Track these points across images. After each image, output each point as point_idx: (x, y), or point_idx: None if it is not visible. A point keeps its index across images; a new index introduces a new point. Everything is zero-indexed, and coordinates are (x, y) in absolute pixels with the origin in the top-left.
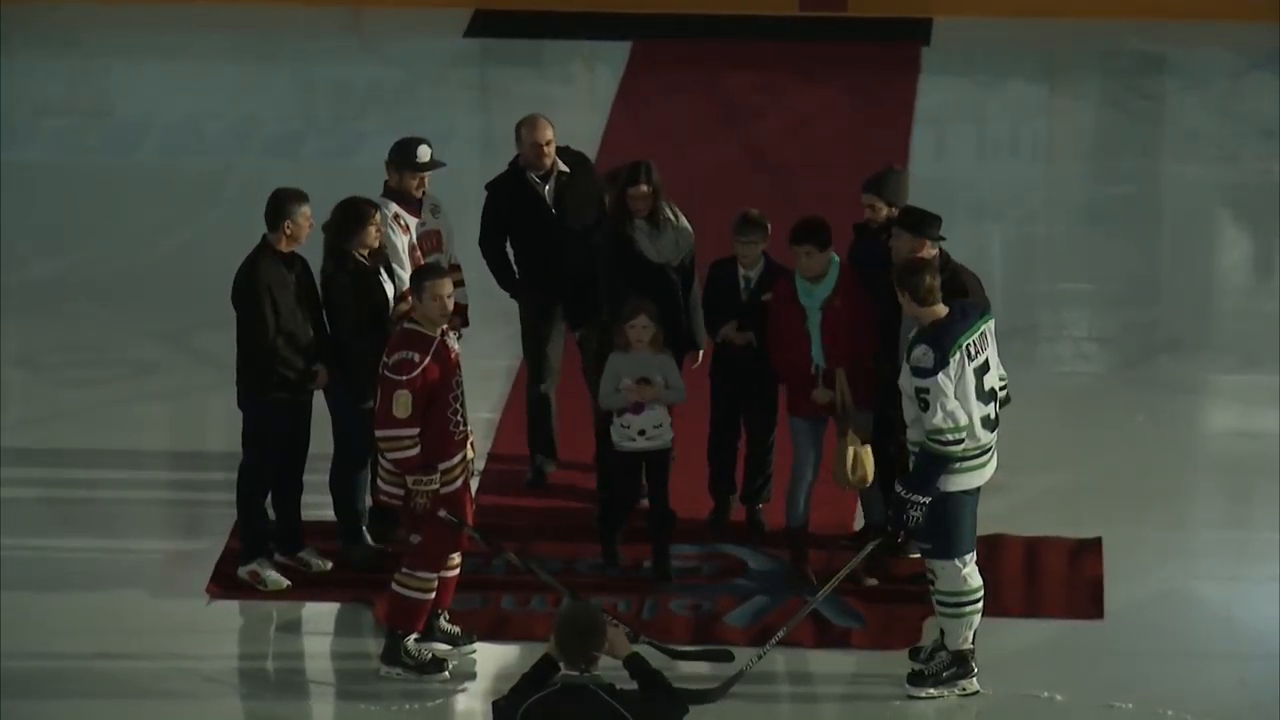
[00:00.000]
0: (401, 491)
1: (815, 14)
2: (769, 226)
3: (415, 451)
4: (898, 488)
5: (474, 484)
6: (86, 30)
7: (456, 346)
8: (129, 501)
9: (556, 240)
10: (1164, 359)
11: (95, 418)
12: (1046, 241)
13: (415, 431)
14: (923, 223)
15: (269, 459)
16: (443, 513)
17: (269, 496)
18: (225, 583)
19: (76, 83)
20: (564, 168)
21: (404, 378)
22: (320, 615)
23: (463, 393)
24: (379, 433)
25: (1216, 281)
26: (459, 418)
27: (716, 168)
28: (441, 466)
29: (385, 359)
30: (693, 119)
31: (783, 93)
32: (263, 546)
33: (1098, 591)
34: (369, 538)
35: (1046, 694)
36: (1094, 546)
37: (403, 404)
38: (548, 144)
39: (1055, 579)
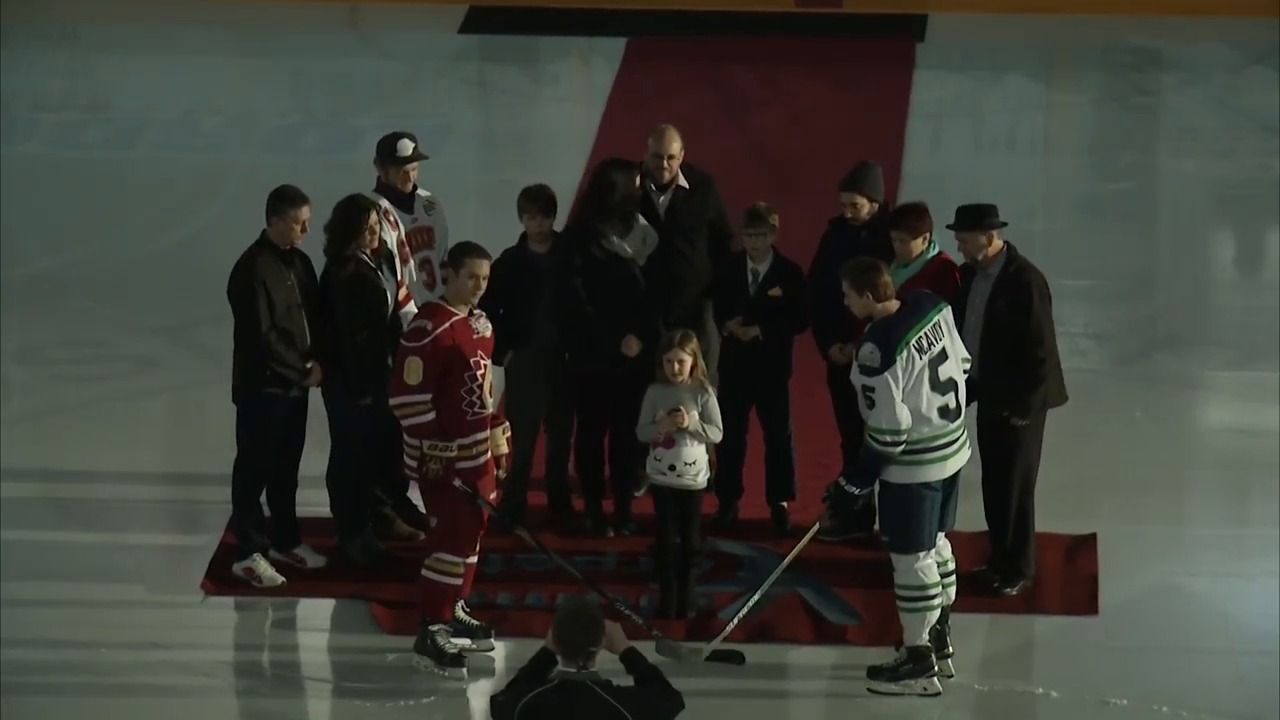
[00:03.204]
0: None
1: (811, 10)
2: (777, 221)
3: (430, 417)
4: (840, 481)
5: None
6: (84, 25)
7: (485, 331)
8: (126, 496)
9: (663, 252)
10: (1162, 355)
11: (94, 412)
12: (1044, 237)
13: (427, 397)
14: (984, 217)
15: (264, 455)
16: (458, 482)
17: (264, 492)
18: (221, 578)
19: (75, 77)
20: (684, 183)
21: (415, 344)
22: (315, 611)
23: (485, 376)
24: (392, 400)
25: (1215, 277)
26: (475, 399)
27: (713, 163)
28: (458, 442)
29: (405, 327)
30: (689, 114)
31: (779, 88)
32: (258, 542)
33: (1093, 587)
34: (371, 535)
35: (1042, 690)
36: (1090, 542)
37: (413, 370)
38: (670, 158)
39: (1051, 575)
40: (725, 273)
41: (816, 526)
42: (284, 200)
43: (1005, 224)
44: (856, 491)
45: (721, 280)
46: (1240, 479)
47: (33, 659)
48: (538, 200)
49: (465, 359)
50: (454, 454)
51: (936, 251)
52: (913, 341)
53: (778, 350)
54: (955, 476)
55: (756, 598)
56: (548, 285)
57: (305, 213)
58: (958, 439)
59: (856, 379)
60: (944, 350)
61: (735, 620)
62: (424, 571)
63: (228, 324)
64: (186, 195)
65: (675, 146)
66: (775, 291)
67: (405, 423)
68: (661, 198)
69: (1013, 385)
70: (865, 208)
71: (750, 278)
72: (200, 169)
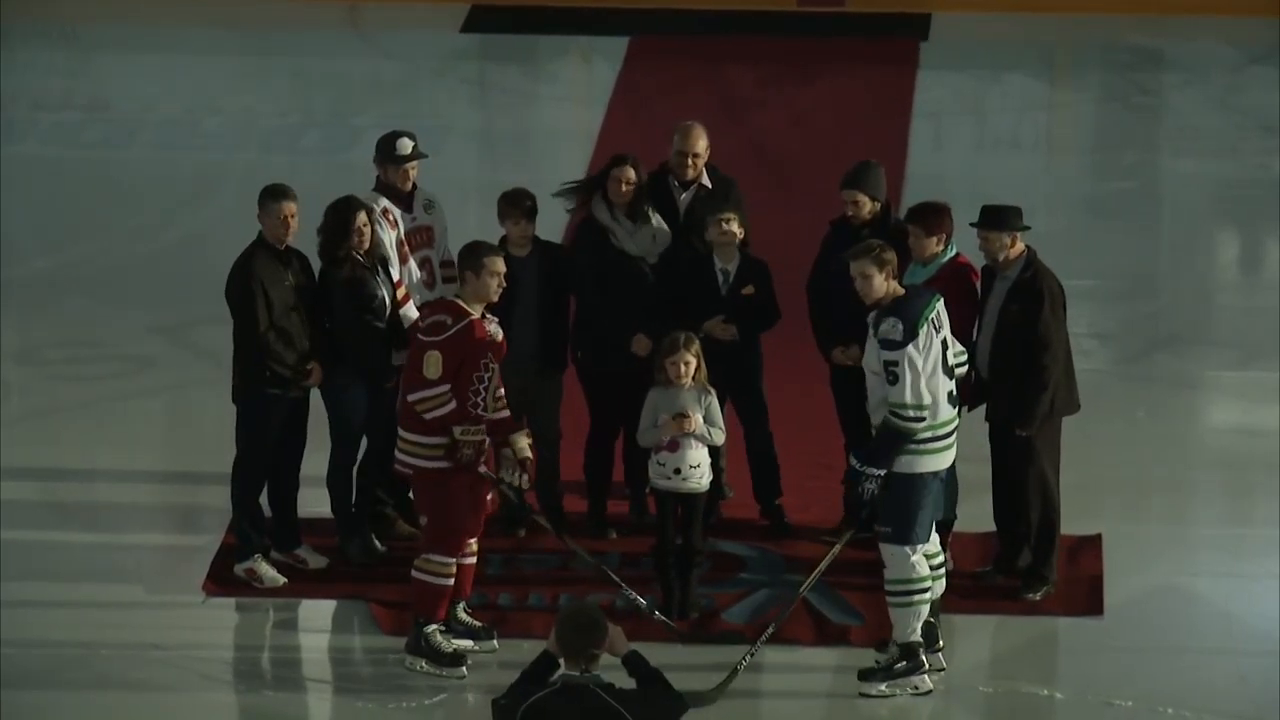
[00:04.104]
0: (417, 464)
1: (813, 10)
2: (739, 225)
3: (452, 406)
4: (852, 459)
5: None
6: (84, 24)
7: (498, 335)
8: (126, 497)
9: (677, 251)
10: (1163, 354)
11: (93, 413)
12: (1045, 237)
13: (446, 388)
14: (1008, 217)
15: (263, 455)
16: (483, 469)
17: (265, 493)
18: (221, 579)
19: (74, 76)
20: (707, 183)
21: (434, 339)
22: (316, 612)
23: (492, 378)
24: (411, 396)
25: (1216, 277)
26: (480, 399)
27: (715, 163)
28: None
29: (419, 323)
30: (691, 114)
31: (781, 88)
32: (259, 543)
33: (1097, 588)
34: (371, 536)
35: (1046, 691)
36: (1093, 543)
37: (433, 364)
38: (695, 156)
39: (1055, 575)
40: (693, 273)
41: (848, 535)
42: (267, 196)
43: (1029, 227)
44: (876, 473)
45: (690, 281)
46: (1242, 479)
47: (32, 660)
48: (519, 204)
49: (478, 359)
50: (484, 437)
51: (954, 254)
52: (930, 317)
53: (748, 349)
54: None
55: (758, 594)
56: (527, 290)
57: (290, 207)
58: (957, 427)
59: (875, 357)
60: (945, 338)
61: (771, 628)
62: (414, 573)
63: (227, 324)
64: (185, 195)
65: (701, 144)
66: (748, 290)
67: (428, 416)
68: (683, 195)
69: (1018, 392)
70: (867, 206)
71: (720, 278)
72: (199, 168)
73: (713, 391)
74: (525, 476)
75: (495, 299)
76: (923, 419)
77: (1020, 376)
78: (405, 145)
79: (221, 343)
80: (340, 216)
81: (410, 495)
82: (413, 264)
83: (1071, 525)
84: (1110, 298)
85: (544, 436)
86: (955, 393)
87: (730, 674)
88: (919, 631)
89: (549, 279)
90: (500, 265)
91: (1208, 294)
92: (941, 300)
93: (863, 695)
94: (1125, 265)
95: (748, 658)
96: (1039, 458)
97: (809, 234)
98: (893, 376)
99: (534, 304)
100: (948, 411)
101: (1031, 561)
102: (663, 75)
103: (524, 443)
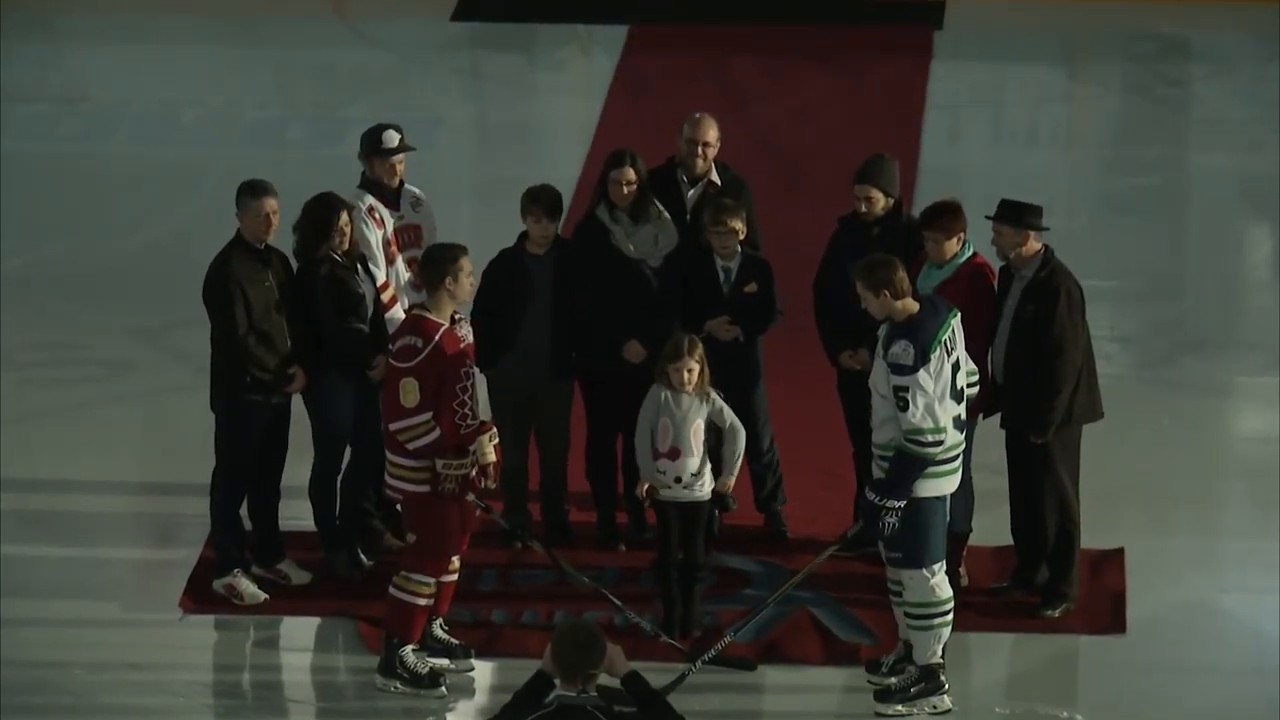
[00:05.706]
0: (405, 488)
1: None
2: (744, 216)
3: (435, 435)
4: (869, 494)
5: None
6: (59, 13)
7: (469, 336)
8: (100, 508)
9: (683, 251)
10: (1189, 358)
11: (67, 419)
12: (1065, 234)
13: (428, 416)
14: (1025, 214)
15: (244, 464)
16: (471, 497)
17: (245, 505)
18: (200, 596)
19: (48, 68)
20: (716, 179)
21: (407, 364)
22: (299, 630)
23: (473, 385)
24: (393, 426)
25: (1244, 277)
26: (468, 410)
27: (718, 156)
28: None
29: (390, 346)
30: (693, 106)
31: (788, 78)
32: (239, 558)
33: (1120, 604)
34: (360, 552)
35: (1066, 713)
36: (1116, 557)
37: (409, 392)
38: (705, 145)
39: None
40: (694, 272)
41: (836, 544)
42: (244, 193)
43: (1046, 228)
44: (896, 505)
45: (691, 280)
46: (1272, 489)
47: (2, 680)
48: (541, 201)
49: (457, 370)
50: (469, 470)
51: (971, 253)
52: (944, 339)
53: (747, 350)
54: None
55: (762, 612)
56: (541, 290)
57: (270, 204)
58: (963, 449)
59: (885, 380)
60: (958, 359)
61: (730, 635)
62: (392, 591)
63: (208, 327)
64: (165, 191)
65: (711, 134)
66: (751, 287)
67: (411, 446)
68: (691, 192)
69: (1032, 397)
70: (880, 203)
71: (721, 276)
72: (179, 163)
73: (715, 394)
74: (488, 481)
75: (469, 300)
76: (941, 442)
77: (1034, 381)
78: (391, 138)
79: (203, 346)
80: (319, 215)
81: (399, 509)
82: (400, 264)
83: (1093, 538)
84: (1132, 298)
85: (551, 446)
86: (963, 416)
87: (677, 679)
88: (939, 653)
89: (566, 281)
90: (470, 263)
91: (1235, 295)
92: (958, 316)
93: (879, 715)
94: (1148, 264)
95: (697, 665)
96: (1056, 467)
97: (817, 231)
98: (903, 403)
99: (548, 306)
100: (954, 436)
101: (1050, 577)
102: (664, 64)
103: (489, 446)
